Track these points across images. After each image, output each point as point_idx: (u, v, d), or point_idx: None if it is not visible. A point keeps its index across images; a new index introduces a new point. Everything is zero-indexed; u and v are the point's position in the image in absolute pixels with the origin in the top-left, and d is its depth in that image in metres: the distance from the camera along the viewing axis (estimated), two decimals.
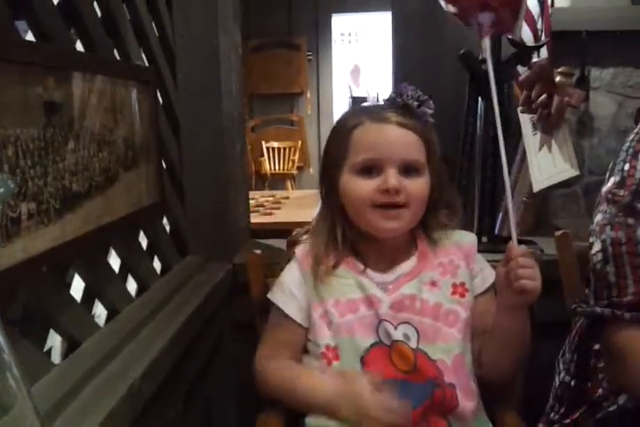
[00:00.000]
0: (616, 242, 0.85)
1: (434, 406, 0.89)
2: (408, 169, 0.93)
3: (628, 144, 0.90)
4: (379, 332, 0.92)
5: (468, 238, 1.03)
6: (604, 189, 0.89)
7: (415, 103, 0.96)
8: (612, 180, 0.89)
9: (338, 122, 1.01)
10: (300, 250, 1.02)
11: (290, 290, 0.99)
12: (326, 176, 1.00)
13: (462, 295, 0.96)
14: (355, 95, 5.81)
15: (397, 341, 0.91)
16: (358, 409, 0.85)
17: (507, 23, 0.96)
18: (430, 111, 0.96)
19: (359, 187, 0.93)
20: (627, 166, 0.87)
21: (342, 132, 0.97)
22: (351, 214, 0.96)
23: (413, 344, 0.92)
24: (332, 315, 0.94)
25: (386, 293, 0.94)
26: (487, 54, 0.95)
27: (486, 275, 0.99)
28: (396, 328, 0.92)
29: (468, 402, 0.91)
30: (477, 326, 0.96)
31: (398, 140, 0.93)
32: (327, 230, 0.98)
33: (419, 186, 0.93)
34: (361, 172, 0.93)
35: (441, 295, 0.95)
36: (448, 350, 0.92)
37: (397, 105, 0.96)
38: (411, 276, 0.96)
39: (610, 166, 0.92)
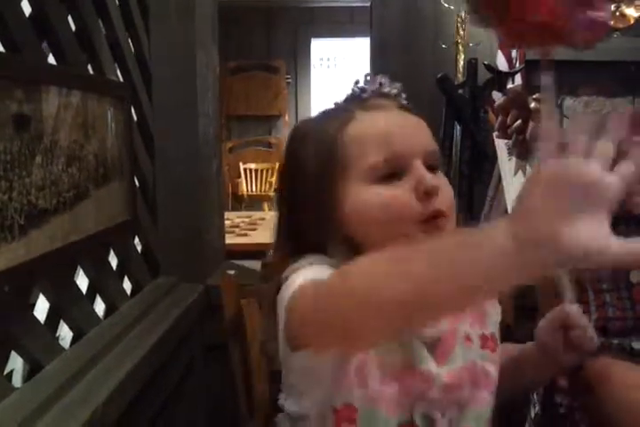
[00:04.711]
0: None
1: None
2: (431, 164, 0.69)
3: None
4: (414, 410, 0.69)
5: None
6: None
7: (394, 91, 0.74)
8: None
9: (309, 128, 0.75)
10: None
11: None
12: (310, 206, 0.71)
13: (493, 349, 0.76)
14: None
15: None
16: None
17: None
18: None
19: (390, 197, 0.66)
20: None
21: (325, 137, 0.70)
22: (374, 242, 0.66)
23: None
24: (371, 377, 0.67)
25: (436, 362, 0.70)
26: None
27: (497, 310, 0.82)
28: (443, 415, 0.69)
29: None
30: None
31: (413, 126, 0.70)
32: None
33: (449, 186, 0.70)
34: (380, 178, 0.67)
35: (474, 352, 0.74)
36: (479, 416, 0.74)
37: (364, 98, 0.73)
38: (452, 333, 0.73)
39: None
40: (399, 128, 0.69)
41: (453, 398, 0.70)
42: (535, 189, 0.45)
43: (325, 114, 0.75)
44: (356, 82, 0.74)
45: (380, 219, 0.66)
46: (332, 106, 0.77)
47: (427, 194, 0.65)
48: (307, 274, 0.66)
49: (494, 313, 0.79)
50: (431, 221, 0.65)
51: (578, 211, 0.43)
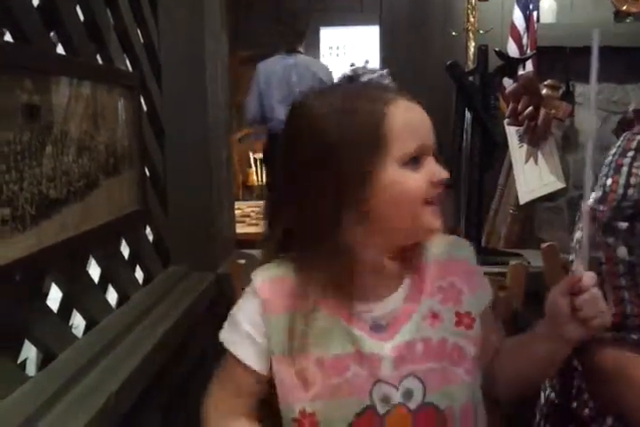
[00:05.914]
0: (596, 261, 0.83)
1: None
2: (435, 155, 0.78)
3: (610, 158, 0.89)
4: (372, 394, 0.73)
5: (465, 252, 0.84)
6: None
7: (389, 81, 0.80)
8: (593, 195, 0.87)
9: (353, 98, 0.75)
10: (261, 282, 0.80)
11: (246, 331, 0.78)
12: (347, 179, 0.72)
13: (469, 327, 0.78)
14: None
15: (396, 405, 0.73)
16: None
17: None
18: None
19: (413, 181, 0.73)
20: (609, 181, 0.86)
21: (370, 112, 0.73)
22: (394, 218, 0.74)
23: (418, 399, 0.74)
24: (313, 376, 0.74)
25: (382, 340, 0.75)
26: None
27: (484, 292, 0.83)
28: (397, 388, 0.73)
29: None
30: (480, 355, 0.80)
31: (429, 120, 0.78)
32: (340, 258, 0.74)
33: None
34: (408, 163, 0.74)
35: (444, 329, 0.77)
36: (452, 395, 0.75)
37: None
38: (408, 310, 0.77)
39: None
40: (426, 120, 0.77)
41: (407, 371, 0.74)
42: None
43: (358, 90, 0.77)
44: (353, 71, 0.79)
45: (403, 199, 0.73)
46: (357, 84, 0.79)
47: (439, 183, 0.75)
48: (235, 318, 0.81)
49: (477, 294, 0.81)
50: (432, 204, 0.75)
51: None
